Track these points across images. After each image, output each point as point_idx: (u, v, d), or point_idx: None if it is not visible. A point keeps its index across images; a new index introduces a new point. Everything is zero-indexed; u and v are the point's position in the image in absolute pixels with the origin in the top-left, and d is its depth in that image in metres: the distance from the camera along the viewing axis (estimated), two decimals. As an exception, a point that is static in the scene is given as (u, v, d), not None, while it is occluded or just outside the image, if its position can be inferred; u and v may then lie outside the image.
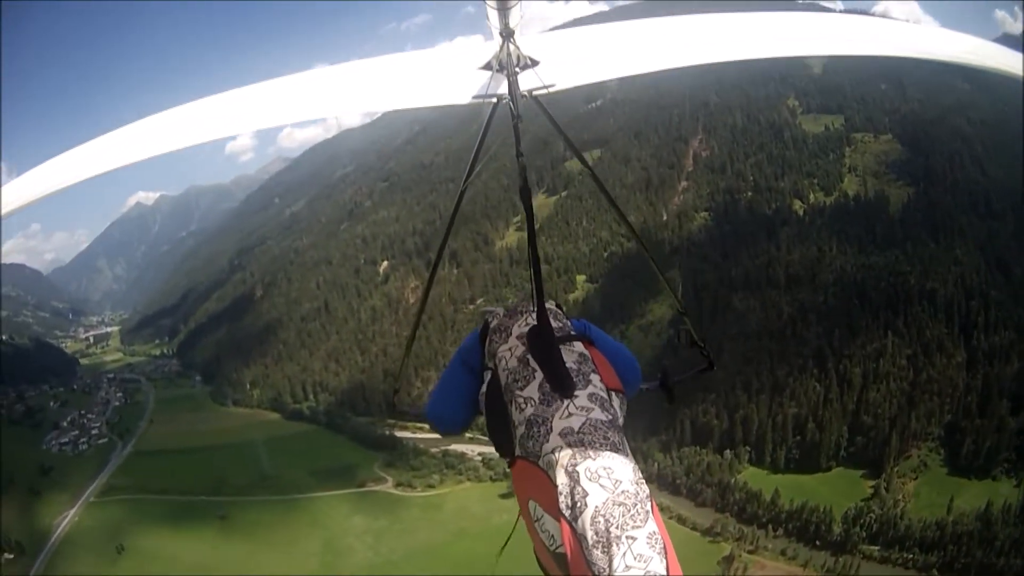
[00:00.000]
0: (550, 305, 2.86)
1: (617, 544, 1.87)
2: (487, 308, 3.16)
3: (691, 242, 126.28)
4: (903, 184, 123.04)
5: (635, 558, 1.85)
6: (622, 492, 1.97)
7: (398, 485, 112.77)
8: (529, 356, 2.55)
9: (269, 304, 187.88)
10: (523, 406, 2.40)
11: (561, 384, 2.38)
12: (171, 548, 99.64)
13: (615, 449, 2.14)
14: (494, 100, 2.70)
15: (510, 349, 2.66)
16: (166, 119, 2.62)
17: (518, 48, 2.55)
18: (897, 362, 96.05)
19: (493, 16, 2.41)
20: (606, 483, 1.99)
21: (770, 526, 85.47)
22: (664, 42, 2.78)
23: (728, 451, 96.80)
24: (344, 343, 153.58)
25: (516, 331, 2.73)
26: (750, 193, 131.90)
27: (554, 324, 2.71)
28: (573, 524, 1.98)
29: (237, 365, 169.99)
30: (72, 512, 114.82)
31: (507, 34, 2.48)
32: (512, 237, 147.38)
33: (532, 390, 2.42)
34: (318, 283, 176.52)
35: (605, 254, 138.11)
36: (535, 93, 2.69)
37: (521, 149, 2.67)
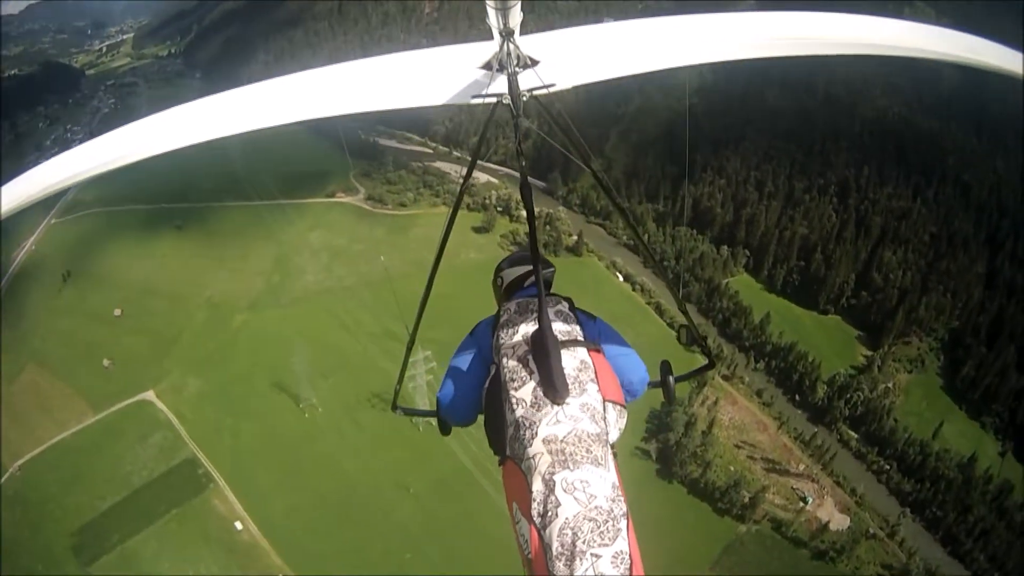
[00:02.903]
0: (562, 306, 2.80)
1: (581, 559, 1.81)
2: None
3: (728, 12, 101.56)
4: (953, 71, 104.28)
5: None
6: (595, 507, 1.92)
7: (368, 199, 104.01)
8: (530, 357, 2.47)
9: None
10: (515, 407, 2.34)
11: (553, 390, 2.29)
12: (119, 268, 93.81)
13: (596, 463, 2.08)
14: (494, 100, 2.57)
15: (513, 347, 2.57)
16: (166, 119, 2.58)
17: (518, 48, 2.47)
18: (919, 234, 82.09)
19: (493, 16, 2.32)
20: (580, 496, 1.95)
21: (752, 353, 71.93)
22: (664, 42, 2.67)
23: (726, 247, 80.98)
24: (349, 43, 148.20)
25: (523, 330, 2.64)
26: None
27: (564, 327, 2.64)
28: (541, 532, 1.94)
29: (240, 62, 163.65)
30: (29, 242, 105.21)
31: (507, 34, 2.39)
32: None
33: (526, 392, 2.35)
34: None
35: (640, 6, 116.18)
36: (535, 93, 2.57)
37: (522, 149, 2.64)
